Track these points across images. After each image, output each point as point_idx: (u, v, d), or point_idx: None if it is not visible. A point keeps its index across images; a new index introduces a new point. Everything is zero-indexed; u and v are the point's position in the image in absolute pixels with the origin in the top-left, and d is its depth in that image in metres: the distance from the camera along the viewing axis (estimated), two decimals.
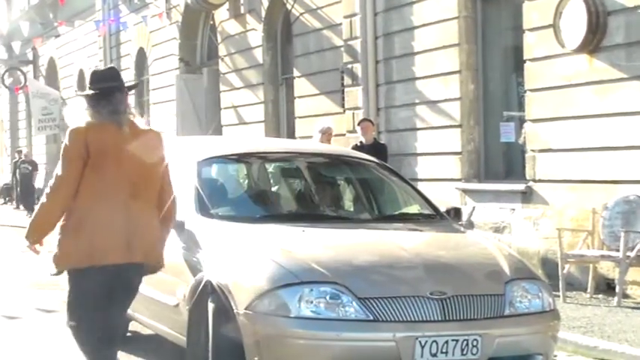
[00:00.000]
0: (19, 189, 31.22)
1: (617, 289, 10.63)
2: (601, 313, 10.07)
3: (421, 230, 7.64)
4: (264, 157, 8.68)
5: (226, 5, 20.18)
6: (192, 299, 6.78)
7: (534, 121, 12.23)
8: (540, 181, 12.17)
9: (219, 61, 21.08)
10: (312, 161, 8.71)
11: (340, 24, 16.21)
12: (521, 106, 12.83)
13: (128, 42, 26.67)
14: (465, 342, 6.13)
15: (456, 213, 8.12)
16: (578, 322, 9.52)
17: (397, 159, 14.33)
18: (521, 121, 12.71)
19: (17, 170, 31.43)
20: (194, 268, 6.91)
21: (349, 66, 15.84)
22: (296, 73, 18.03)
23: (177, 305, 7.13)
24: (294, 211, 8.23)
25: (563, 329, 7.92)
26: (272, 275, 6.23)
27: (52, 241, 6.09)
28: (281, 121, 19.46)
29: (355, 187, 8.83)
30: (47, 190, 6.09)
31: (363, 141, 13.79)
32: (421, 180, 13.92)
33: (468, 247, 7.32)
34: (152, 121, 25.11)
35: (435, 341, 6.06)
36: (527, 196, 12.40)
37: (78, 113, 6.14)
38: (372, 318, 6.06)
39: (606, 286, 11.31)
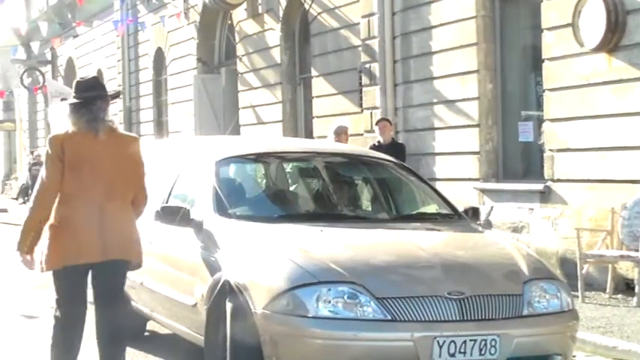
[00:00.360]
0: (30, 191, 31.25)
1: (637, 289, 10.58)
2: (620, 314, 10.03)
3: (439, 230, 7.62)
4: (281, 157, 8.67)
5: (244, 5, 20.20)
6: (210, 299, 6.79)
7: (553, 120, 12.19)
8: (559, 180, 12.13)
9: (237, 60, 21.10)
10: (330, 161, 8.71)
11: (358, 23, 16.20)
12: (539, 106, 12.79)
13: (146, 42, 26.73)
14: (483, 342, 6.12)
15: (474, 213, 8.10)
16: (597, 322, 9.49)
17: (415, 159, 14.31)
18: (540, 120, 12.67)
19: (29, 172, 31.54)
20: (212, 268, 6.92)
21: (367, 65, 15.82)
22: (314, 72, 18.03)
23: (195, 305, 7.14)
24: (311, 211, 8.22)
25: (582, 329, 7.91)
26: (290, 275, 6.23)
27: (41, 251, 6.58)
28: (299, 120, 19.46)
29: (373, 187, 8.82)
30: (33, 194, 6.64)
31: (381, 141, 13.76)
32: (439, 180, 13.90)
33: (486, 247, 7.31)
34: (170, 121, 25.20)
35: (453, 341, 6.05)
36: (545, 195, 12.37)
37: (60, 120, 6.64)
38: (389, 318, 6.05)
39: (625, 287, 11.27)
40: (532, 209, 12.63)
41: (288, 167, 8.94)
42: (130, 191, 6.68)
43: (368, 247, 6.95)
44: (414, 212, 8.47)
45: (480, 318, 6.19)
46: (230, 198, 7.57)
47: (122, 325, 6.72)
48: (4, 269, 14.28)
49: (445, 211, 8.10)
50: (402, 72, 15.21)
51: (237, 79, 21.24)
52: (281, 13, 19.09)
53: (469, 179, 13.73)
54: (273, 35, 19.45)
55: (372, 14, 15.60)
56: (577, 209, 11.86)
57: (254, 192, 8.44)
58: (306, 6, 18.03)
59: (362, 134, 15.68)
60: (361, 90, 16.18)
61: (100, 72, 30.45)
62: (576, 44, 11.62)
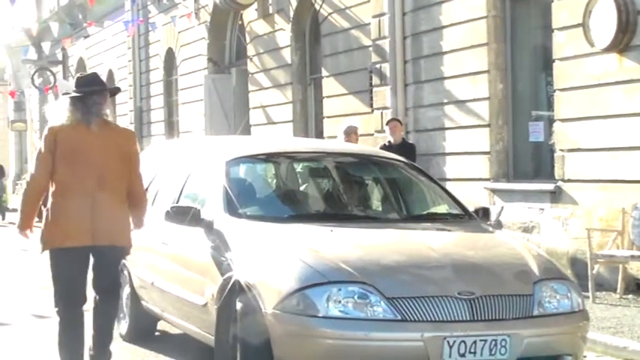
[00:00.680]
0: None
1: None
2: (631, 314, 10.02)
3: (449, 230, 7.62)
4: (292, 157, 8.68)
5: (255, 5, 20.22)
6: (221, 299, 6.80)
7: (563, 120, 12.17)
8: (569, 180, 12.12)
9: (248, 61, 21.12)
10: (340, 161, 8.71)
11: (369, 24, 16.21)
12: (550, 106, 12.78)
13: (157, 42, 26.77)
14: (494, 342, 6.11)
15: (484, 213, 8.10)
16: (608, 322, 9.47)
17: (425, 159, 14.31)
18: (550, 120, 12.66)
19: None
20: (222, 268, 6.93)
21: (377, 66, 15.82)
22: (324, 72, 18.03)
23: (205, 305, 7.15)
24: (322, 211, 8.22)
25: (592, 330, 7.90)
26: (300, 275, 6.24)
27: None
28: (309, 120, 19.47)
29: (383, 187, 8.82)
30: (27, 179, 7.29)
31: (392, 141, 13.76)
32: (449, 180, 13.89)
33: (497, 247, 7.30)
34: (181, 121, 25.23)
35: (463, 341, 6.05)
36: (556, 195, 12.35)
37: (58, 112, 7.12)
38: (400, 318, 6.05)
39: (636, 287, 11.25)
40: (542, 209, 12.61)
41: (299, 167, 8.95)
42: (121, 181, 7.08)
43: (378, 247, 6.95)
44: (425, 212, 8.47)
45: (490, 318, 6.18)
46: (240, 198, 7.58)
47: (109, 282, 7.23)
48: (14, 269, 14.35)
49: (455, 211, 8.09)
50: (412, 72, 15.21)
51: (247, 80, 21.25)
52: (291, 14, 19.10)
53: (479, 179, 13.72)
54: (284, 35, 19.46)
55: (382, 14, 15.60)
56: (587, 209, 11.84)
57: (264, 192, 8.45)
58: (317, 6, 18.03)
59: (372, 134, 15.68)
60: (372, 90, 16.18)
61: (110, 72, 30.54)
62: (587, 44, 11.60)
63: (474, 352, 6.07)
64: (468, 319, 6.13)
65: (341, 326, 6.04)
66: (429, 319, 6.07)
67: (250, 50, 20.93)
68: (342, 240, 6.94)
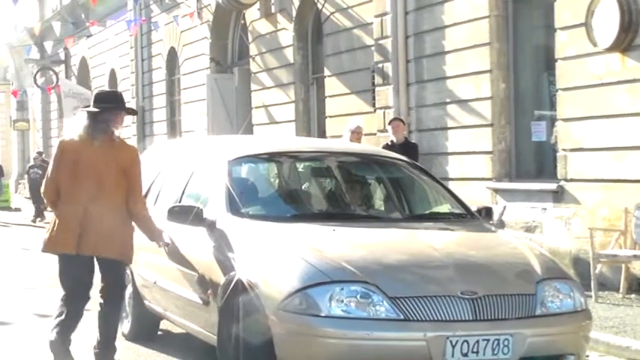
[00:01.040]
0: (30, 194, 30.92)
1: None
2: (633, 314, 10.01)
3: (452, 230, 7.63)
4: (294, 157, 8.67)
5: (257, 5, 20.23)
6: (223, 298, 6.80)
7: (566, 120, 12.17)
8: (572, 180, 12.11)
9: (250, 60, 21.12)
10: (343, 160, 8.71)
11: (371, 23, 16.21)
12: (552, 105, 12.77)
13: (159, 42, 26.77)
14: (496, 342, 6.11)
15: (487, 212, 8.09)
16: (611, 322, 9.47)
17: (428, 158, 14.31)
18: (553, 120, 12.65)
19: (27, 175, 31.35)
20: (225, 267, 6.93)
21: (380, 65, 15.82)
22: (327, 72, 18.03)
23: (207, 304, 7.15)
24: (324, 211, 8.21)
25: (595, 329, 7.89)
26: (303, 274, 6.24)
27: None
28: (312, 120, 19.46)
29: (386, 187, 8.82)
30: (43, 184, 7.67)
31: (394, 140, 13.77)
32: (452, 179, 13.89)
33: (499, 246, 7.30)
34: (183, 120, 25.23)
35: (465, 341, 6.05)
36: (558, 195, 12.35)
37: (73, 126, 7.46)
38: (402, 317, 6.05)
39: (638, 286, 11.24)
40: (545, 209, 12.61)
41: (301, 167, 8.95)
42: (118, 195, 7.32)
43: (381, 246, 6.95)
44: (427, 212, 8.45)
45: (492, 318, 6.18)
46: (243, 197, 7.59)
47: (113, 280, 7.52)
48: (18, 269, 14.36)
49: (458, 210, 8.09)
50: (414, 71, 15.21)
51: (250, 79, 21.25)
52: (294, 13, 19.10)
53: (482, 179, 13.72)
54: (286, 35, 19.46)
55: (385, 14, 15.60)
56: (590, 209, 11.84)
57: (267, 191, 8.45)
58: (319, 6, 18.03)
59: (375, 134, 15.67)
60: (374, 89, 16.18)
61: (113, 72, 30.55)
62: (590, 44, 11.60)
63: (477, 352, 6.07)
64: (471, 318, 6.13)
65: (343, 326, 6.04)
66: (432, 319, 6.06)
67: (253, 50, 20.93)
68: (344, 239, 6.94)
